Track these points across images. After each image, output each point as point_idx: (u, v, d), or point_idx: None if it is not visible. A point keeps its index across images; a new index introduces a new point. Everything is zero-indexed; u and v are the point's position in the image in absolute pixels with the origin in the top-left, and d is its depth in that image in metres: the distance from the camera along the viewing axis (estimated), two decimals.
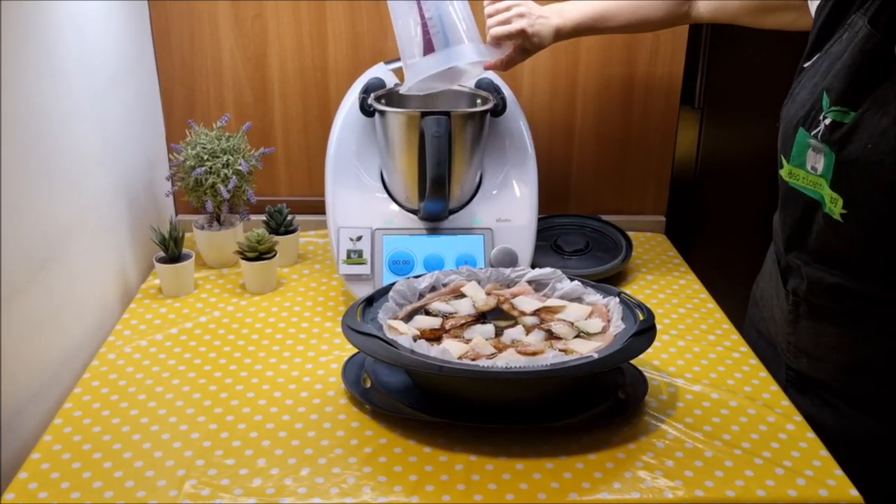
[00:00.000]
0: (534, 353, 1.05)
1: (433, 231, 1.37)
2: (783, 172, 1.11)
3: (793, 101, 1.09)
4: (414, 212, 1.39)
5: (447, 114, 1.28)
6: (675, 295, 1.45)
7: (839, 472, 0.99)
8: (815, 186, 1.05)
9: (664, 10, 1.32)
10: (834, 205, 1.02)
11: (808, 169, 1.05)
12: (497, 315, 1.17)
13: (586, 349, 1.05)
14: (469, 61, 1.26)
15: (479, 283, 1.22)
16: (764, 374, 1.20)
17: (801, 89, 1.08)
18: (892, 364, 1.07)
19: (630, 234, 1.71)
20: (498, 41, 1.28)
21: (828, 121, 1.02)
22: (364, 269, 1.35)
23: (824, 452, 1.03)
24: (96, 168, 1.31)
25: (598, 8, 1.32)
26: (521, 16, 1.26)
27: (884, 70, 0.97)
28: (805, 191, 1.07)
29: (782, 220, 1.15)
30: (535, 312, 1.16)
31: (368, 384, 1.12)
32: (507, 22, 1.26)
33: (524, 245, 1.38)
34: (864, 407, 1.10)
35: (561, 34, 1.30)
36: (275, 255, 1.43)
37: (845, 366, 1.11)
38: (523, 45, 1.28)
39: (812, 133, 1.04)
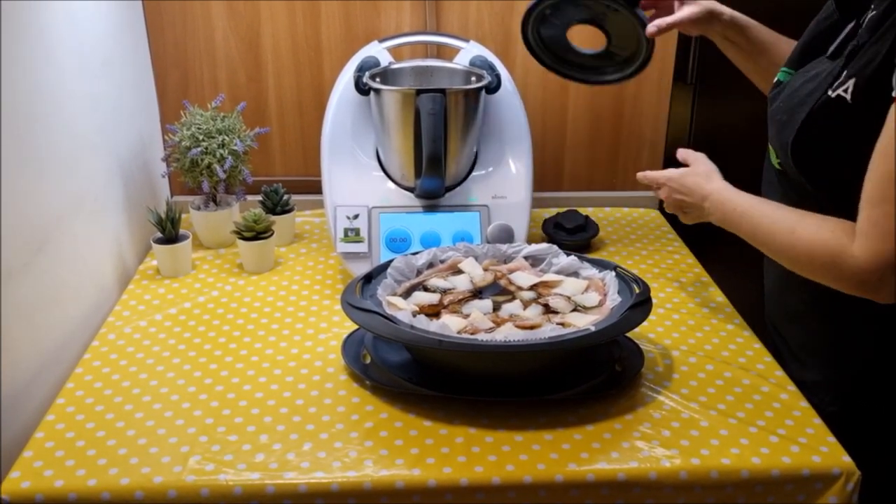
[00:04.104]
0: (532, 327, 1.06)
1: (430, 208, 1.38)
2: None
3: None
4: (410, 190, 1.39)
5: (442, 91, 1.28)
6: (669, 269, 1.46)
7: (832, 439, 1.01)
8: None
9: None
10: (773, 156, 1.08)
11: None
12: (494, 290, 1.18)
13: (583, 322, 1.06)
14: None
15: (476, 259, 1.23)
16: (758, 345, 1.22)
17: None
18: (816, 314, 1.10)
19: (624, 209, 1.73)
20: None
21: (775, 79, 1.08)
22: (361, 247, 1.36)
23: (817, 420, 1.05)
24: (91, 150, 1.31)
25: (749, 19, 1.24)
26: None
27: (827, 42, 1.02)
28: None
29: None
30: (533, 287, 1.17)
31: (368, 360, 1.14)
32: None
33: (520, 221, 1.39)
34: (797, 357, 1.15)
35: (726, 11, 1.21)
36: (272, 235, 1.44)
37: (787, 313, 1.17)
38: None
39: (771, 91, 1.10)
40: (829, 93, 0.95)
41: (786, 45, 1.23)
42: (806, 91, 1.00)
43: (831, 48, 1.01)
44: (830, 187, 0.99)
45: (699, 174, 1.13)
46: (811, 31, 1.07)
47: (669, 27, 1.20)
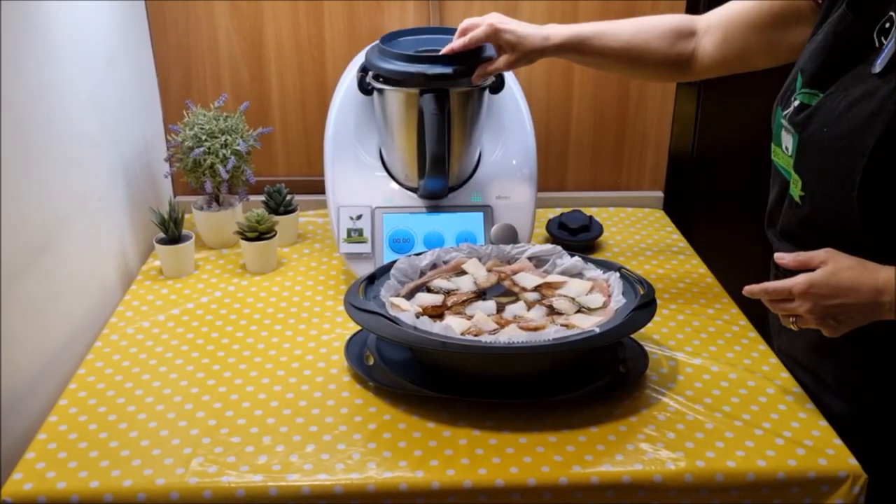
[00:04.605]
0: (536, 329, 1.06)
1: (433, 209, 1.38)
2: (771, 150, 1.11)
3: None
4: (413, 190, 1.39)
5: (446, 91, 1.28)
6: (674, 270, 1.45)
7: (838, 441, 1.01)
8: (787, 166, 1.04)
9: (667, 40, 1.21)
10: (796, 186, 1.02)
11: (783, 149, 1.05)
12: (498, 291, 1.18)
13: (587, 324, 1.06)
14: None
15: (479, 260, 1.23)
16: (763, 346, 1.21)
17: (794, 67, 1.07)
18: (852, 347, 1.05)
19: (628, 209, 1.72)
20: (467, 46, 1.22)
21: (797, 102, 1.02)
22: (364, 248, 1.35)
23: (823, 423, 1.04)
24: (94, 150, 1.31)
25: (597, 25, 1.22)
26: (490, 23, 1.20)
27: (854, 54, 0.96)
28: (782, 170, 1.07)
29: (770, 195, 1.14)
30: (536, 288, 1.17)
31: (371, 361, 1.13)
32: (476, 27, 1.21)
33: (524, 222, 1.38)
34: (830, 387, 1.09)
35: (549, 41, 1.20)
36: (275, 235, 1.43)
37: (813, 345, 1.11)
38: (501, 47, 1.22)
39: (784, 113, 1.04)
40: None
41: (655, 42, 1.20)
42: (863, 113, 0.92)
43: (878, 64, 0.93)
44: (890, 221, 0.93)
45: (852, 267, 0.93)
46: (830, 46, 0.98)
47: (489, 74, 1.26)
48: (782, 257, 0.98)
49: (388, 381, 1.09)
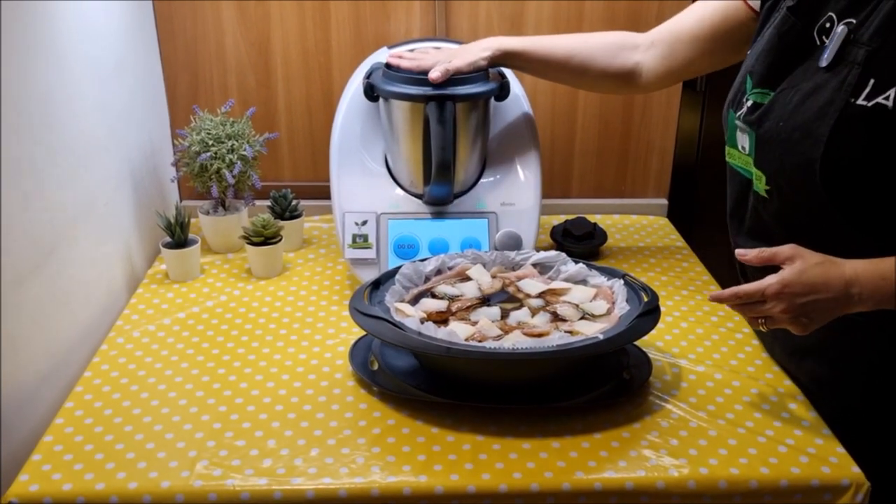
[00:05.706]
0: (540, 335, 1.06)
1: (438, 215, 1.38)
2: (726, 153, 1.14)
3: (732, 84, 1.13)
4: (419, 196, 1.39)
5: (452, 98, 1.28)
6: (677, 277, 1.46)
7: (841, 449, 1.01)
8: (746, 165, 1.08)
9: (610, 51, 1.29)
10: (760, 182, 1.05)
11: (740, 149, 1.09)
12: (502, 298, 1.18)
13: (591, 331, 1.06)
14: None
15: (484, 266, 1.23)
16: (766, 354, 1.22)
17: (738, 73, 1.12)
18: (830, 348, 1.07)
19: (632, 217, 1.73)
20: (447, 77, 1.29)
21: (750, 102, 1.06)
22: (369, 254, 1.36)
23: (826, 431, 1.04)
24: (101, 154, 1.32)
25: (541, 38, 1.33)
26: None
27: (799, 53, 1.02)
28: (740, 170, 1.11)
29: (728, 198, 1.17)
30: (541, 295, 1.17)
31: (376, 367, 1.14)
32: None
33: (528, 228, 1.39)
34: (807, 390, 1.12)
35: (490, 49, 1.31)
36: (280, 240, 1.44)
37: (790, 349, 1.14)
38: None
39: (737, 115, 1.08)
40: (859, 102, 0.93)
41: (597, 53, 1.29)
42: (816, 104, 0.96)
43: (824, 59, 0.97)
44: (857, 205, 0.96)
45: (820, 263, 0.94)
46: (776, 48, 1.04)
47: (446, 75, 1.28)
48: (745, 254, 1.00)
49: (392, 386, 1.09)
